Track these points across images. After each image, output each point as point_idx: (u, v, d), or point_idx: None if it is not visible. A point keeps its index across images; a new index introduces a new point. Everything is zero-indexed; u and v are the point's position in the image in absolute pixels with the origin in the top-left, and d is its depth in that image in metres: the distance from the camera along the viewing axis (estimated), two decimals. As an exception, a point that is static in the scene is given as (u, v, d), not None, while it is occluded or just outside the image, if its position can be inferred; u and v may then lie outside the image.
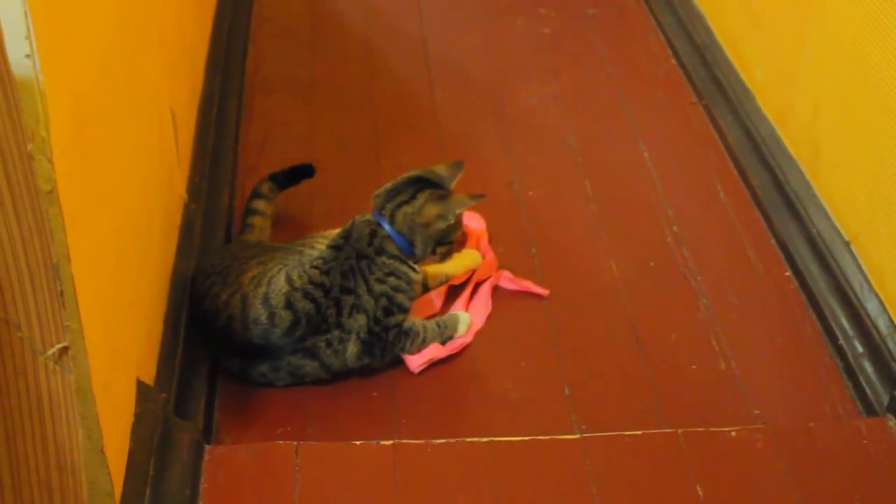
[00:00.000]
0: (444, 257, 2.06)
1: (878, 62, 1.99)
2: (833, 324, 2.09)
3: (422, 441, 1.82)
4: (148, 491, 1.62)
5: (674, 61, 2.91)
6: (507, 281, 2.19)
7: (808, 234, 2.24)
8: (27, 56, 1.22)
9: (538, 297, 2.17)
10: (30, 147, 1.22)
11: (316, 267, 1.93)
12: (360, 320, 1.92)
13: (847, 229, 2.15)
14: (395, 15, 3.11)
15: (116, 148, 1.64)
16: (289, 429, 1.88)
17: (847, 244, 2.13)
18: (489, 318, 2.12)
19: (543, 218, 2.37)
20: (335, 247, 1.96)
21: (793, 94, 2.37)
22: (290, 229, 2.31)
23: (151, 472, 1.64)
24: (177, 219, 2.11)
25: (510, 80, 2.83)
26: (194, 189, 2.24)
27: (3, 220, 1.22)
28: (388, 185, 2.02)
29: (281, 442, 1.81)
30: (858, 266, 2.09)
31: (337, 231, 2.02)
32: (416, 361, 2.00)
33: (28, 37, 1.21)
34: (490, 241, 2.26)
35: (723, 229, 2.36)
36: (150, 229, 1.88)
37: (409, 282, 1.97)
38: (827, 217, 2.21)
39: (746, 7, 2.64)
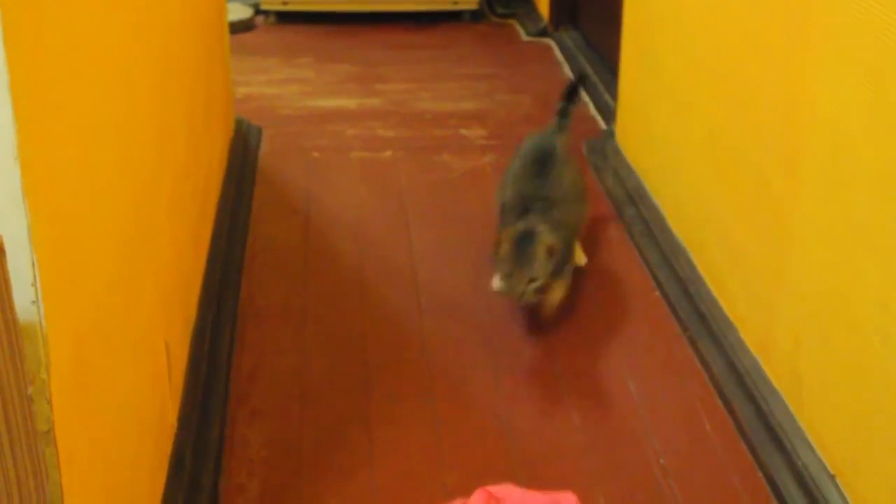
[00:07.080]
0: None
1: (853, 298, 2.05)
2: (821, 559, 2.08)
3: None
4: None
5: (658, 293, 2.98)
6: None
7: (794, 466, 2.25)
8: (32, 302, 1.27)
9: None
10: (30, 390, 1.25)
11: None
12: None
13: (832, 462, 2.17)
14: (387, 247, 3.20)
15: (112, 384, 1.67)
16: None
17: (832, 477, 2.15)
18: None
19: (531, 450, 2.39)
20: None
21: (774, 328, 2.43)
22: (279, 456, 2.33)
23: None
24: (167, 448, 2.13)
25: (498, 313, 2.89)
26: (185, 419, 2.26)
27: (0, 461, 1.24)
28: None
29: None
30: (844, 500, 2.09)
31: None
32: None
33: (34, 284, 1.26)
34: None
35: (709, 461, 2.38)
36: (141, 461, 1.89)
37: None
38: (812, 450, 2.23)
39: (725, 242, 2.72)
